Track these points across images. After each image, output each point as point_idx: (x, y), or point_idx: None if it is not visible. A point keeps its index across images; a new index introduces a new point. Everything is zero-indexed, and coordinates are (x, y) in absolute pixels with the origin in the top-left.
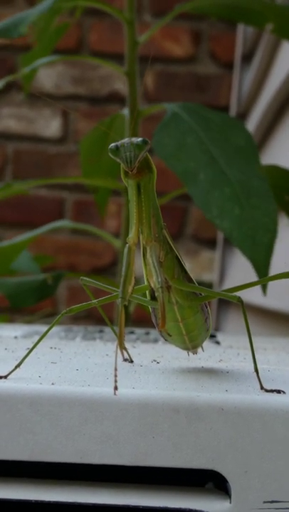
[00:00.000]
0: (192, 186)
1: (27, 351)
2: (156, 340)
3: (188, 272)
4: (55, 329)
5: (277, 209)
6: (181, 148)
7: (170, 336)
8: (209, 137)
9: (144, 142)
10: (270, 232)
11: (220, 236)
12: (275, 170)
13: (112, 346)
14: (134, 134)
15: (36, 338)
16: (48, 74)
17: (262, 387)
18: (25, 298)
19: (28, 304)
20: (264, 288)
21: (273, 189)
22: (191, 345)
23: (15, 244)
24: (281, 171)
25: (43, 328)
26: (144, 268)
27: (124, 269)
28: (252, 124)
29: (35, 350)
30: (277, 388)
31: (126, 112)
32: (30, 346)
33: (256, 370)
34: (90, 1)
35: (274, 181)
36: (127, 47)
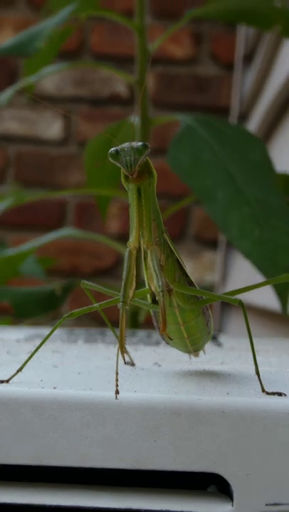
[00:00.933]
0: (210, 205)
1: (29, 355)
2: (158, 343)
3: (189, 275)
4: (57, 332)
5: None
6: (197, 165)
7: (171, 339)
8: (225, 152)
9: (144, 146)
10: None
11: (222, 237)
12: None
13: (114, 349)
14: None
15: (38, 341)
16: (50, 76)
17: (263, 390)
18: (31, 309)
19: (34, 314)
20: (284, 310)
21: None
22: (193, 348)
23: (22, 253)
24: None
25: (45, 331)
26: (145, 272)
27: (125, 273)
28: (253, 125)
29: (37, 353)
30: (279, 391)
31: (135, 119)
32: (32, 349)
33: (257, 373)
34: (103, 11)
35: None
36: (138, 55)
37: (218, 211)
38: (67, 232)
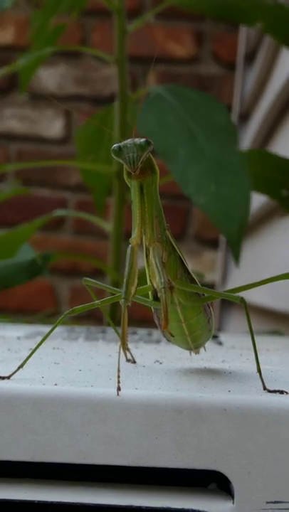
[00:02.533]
0: (171, 162)
1: (30, 352)
2: (158, 341)
3: (191, 273)
4: (57, 329)
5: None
6: (161, 125)
7: (173, 336)
8: (189, 115)
9: (147, 143)
10: (244, 208)
11: (222, 237)
12: (273, 159)
13: (115, 347)
14: (125, 121)
15: (39, 338)
16: (51, 74)
17: (265, 388)
18: (15, 277)
19: (18, 282)
20: (237, 262)
21: (271, 182)
22: (194, 345)
23: (18, 232)
24: (279, 160)
25: (46, 329)
26: (147, 269)
27: (126, 269)
28: (254, 124)
29: (38, 350)
30: (280, 389)
31: (116, 103)
32: (33, 347)
33: (259, 371)
34: None
35: (270, 173)
36: (117, 35)
37: (178, 168)
38: (65, 212)
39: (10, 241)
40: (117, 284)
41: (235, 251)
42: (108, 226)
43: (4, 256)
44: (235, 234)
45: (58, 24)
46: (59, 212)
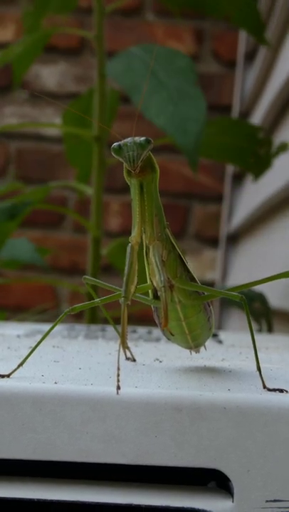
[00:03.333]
0: (135, 96)
1: (30, 350)
2: (158, 339)
3: (192, 271)
4: (57, 328)
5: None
6: (129, 70)
7: (173, 335)
8: (155, 61)
9: (147, 141)
10: (199, 122)
11: (222, 235)
12: (241, 126)
13: (115, 345)
14: (103, 96)
15: (39, 336)
16: (51, 73)
17: (264, 386)
18: None
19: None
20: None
21: (239, 150)
22: (194, 344)
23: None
24: (247, 127)
25: (46, 327)
26: (147, 267)
27: (126, 268)
28: (255, 122)
29: (37, 348)
30: (280, 387)
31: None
32: (33, 345)
33: (259, 369)
34: None
35: (239, 141)
36: (96, 9)
37: (140, 98)
38: (67, 183)
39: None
40: (99, 243)
41: (192, 161)
42: (89, 189)
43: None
44: (191, 145)
45: (51, 24)
46: (53, 184)
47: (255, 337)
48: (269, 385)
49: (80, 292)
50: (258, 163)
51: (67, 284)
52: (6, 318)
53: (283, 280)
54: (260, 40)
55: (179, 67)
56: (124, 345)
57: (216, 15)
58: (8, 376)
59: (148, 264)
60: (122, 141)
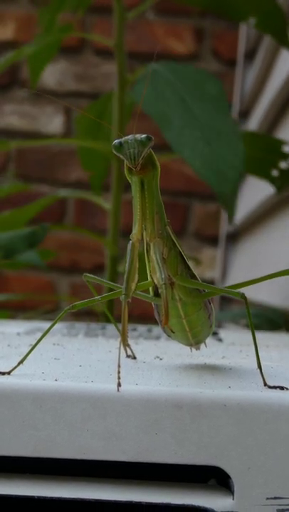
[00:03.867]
0: (167, 131)
1: (30, 347)
2: (158, 337)
3: (192, 269)
4: (57, 326)
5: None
6: (158, 97)
7: (173, 332)
8: (184, 86)
9: (148, 139)
10: (237, 169)
11: (222, 233)
12: (262, 140)
13: (115, 343)
14: (122, 105)
15: (39, 334)
16: (51, 71)
17: (265, 384)
18: (16, 247)
19: (19, 251)
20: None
21: (260, 162)
22: (194, 341)
23: (20, 211)
24: (268, 140)
25: (46, 325)
26: (148, 264)
27: (127, 265)
28: (254, 121)
29: (38, 346)
30: (281, 385)
31: (115, 87)
32: (33, 343)
33: (259, 367)
34: None
35: (259, 153)
36: (116, 20)
37: (173, 135)
38: (68, 192)
39: (12, 221)
40: (116, 260)
41: (229, 210)
42: (107, 204)
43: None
44: (228, 193)
45: (64, 22)
46: (62, 193)
47: (256, 335)
48: (269, 383)
49: (79, 290)
50: (281, 176)
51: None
52: (11, 317)
53: (283, 278)
54: (283, 42)
55: (209, 94)
56: (124, 342)
57: (239, 18)
58: (8, 373)
59: (149, 261)
60: (123, 139)
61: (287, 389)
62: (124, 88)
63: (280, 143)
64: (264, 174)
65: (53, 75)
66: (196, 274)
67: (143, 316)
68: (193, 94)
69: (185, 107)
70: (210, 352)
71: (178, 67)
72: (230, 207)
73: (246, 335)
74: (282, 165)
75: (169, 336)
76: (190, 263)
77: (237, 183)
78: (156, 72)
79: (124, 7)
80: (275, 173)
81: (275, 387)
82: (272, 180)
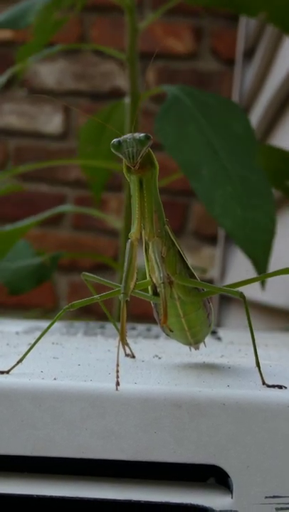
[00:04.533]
0: (195, 181)
1: (29, 346)
2: (157, 336)
3: (191, 268)
4: (56, 325)
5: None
6: (182, 138)
7: (172, 331)
8: (210, 125)
9: (147, 137)
10: (269, 232)
11: (221, 232)
12: (277, 152)
13: (114, 342)
14: (135, 120)
15: (38, 333)
16: (50, 70)
17: (264, 383)
18: (24, 283)
19: (28, 288)
20: (263, 284)
21: (273, 173)
22: (193, 340)
23: (16, 229)
24: (283, 153)
25: (45, 324)
26: (146, 263)
27: (126, 264)
28: (254, 120)
29: (37, 345)
30: (279, 384)
31: (126, 100)
32: (32, 342)
33: (258, 365)
34: None
35: (274, 165)
36: (128, 33)
37: (203, 188)
38: (66, 208)
39: (5, 238)
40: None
41: (260, 271)
42: (118, 223)
43: (2, 249)
44: (260, 257)
45: (60, 18)
46: (60, 209)
47: (255, 334)
48: (268, 382)
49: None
50: None
51: None
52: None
53: (282, 277)
54: None
55: (237, 135)
56: (123, 341)
57: (251, 14)
58: (7, 372)
59: (147, 260)
60: (122, 138)
61: (285, 388)
62: (137, 102)
63: None
64: (278, 185)
65: (52, 74)
66: (194, 273)
67: (142, 315)
68: (221, 135)
69: (213, 153)
70: (209, 351)
71: (199, 95)
72: (262, 269)
73: (245, 334)
74: None
75: (167, 335)
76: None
77: (270, 248)
78: (177, 101)
79: (136, 17)
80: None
81: (273, 386)
82: (286, 190)
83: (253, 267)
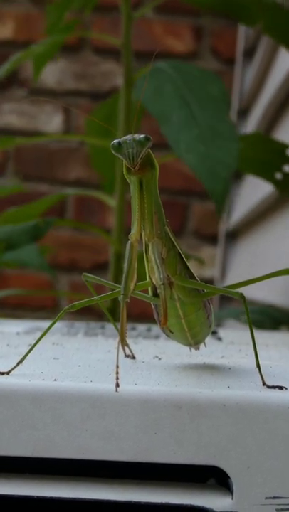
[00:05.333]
0: (166, 126)
1: (29, 347)
2: (157, 337)
3: (191, 268)
4: (57, 325)
5: None
6: (158, 93)
7: (172, 332)
8: (185, 85)
9: (147, 139)
10: (230, 167)
11: (221, 232)
12: (269, 142)
13: (114, 342)
14: (129, 104)
15: (38, 334)
16: (50, 70)
17: (264, 384)
18: (19, 239)
19: (22, 244)
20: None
21: (264, 165)
22: (193, 341)
23: (29, 207)
24: (275, 144)
25: (45, 324)
26: (146, 265)
27: (126, 265)
28: (254, 119)
29: (37, 346)
30: (280, 384)
31: (121, 84)
32: (33, 342)
33: (258, 366)
34: None
35: (266, 156)
36: (123, 20)
37: (171, 132)
38: (74, 190)
39: (17, 217)
40: (119, 259)
41: (219, 206)
42: (112, 201)
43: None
44: (220, 191)
45: (67, 20)
46: (68, 191)
47: (255, 334)
48: (268, 382)
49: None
50: (285, 179)
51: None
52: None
53: (282, 277)
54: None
55: (211, 95)
56: (123, 342)
57: (249, 23)
58: (7, 373)
59: (147, 261)
60: (122, 139)
61: (286, 388)
62: (131, 87)
63: (285, 146)
64: (268, 177)
65: (53, 73)
66: (194, 274)
67: (142, 315)
68: (195, 93)
69: (185, 105)
70: (209, 351)
71: (181, 65)
72: (221, 203)
73: (246, 334)
74: (286, 168)
75: (168, 336)
76: (191, 263)
77: (228, 181)
78: (158, 70)
79: (130, 7)
80: (278, 176)
81: (274, 387)
82: (275, 183)
83: (213, 199)
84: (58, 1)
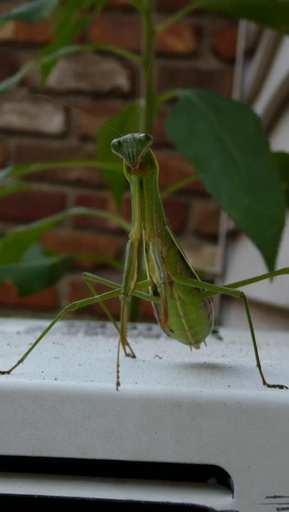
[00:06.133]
0: (203, 173)
1: (30, 346)
2: (158, 336)
3: (191, 268)
4: (57, 324)
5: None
6: (192, 134)
7: (172, 331)
8: (220, 124)
9: (147, 138)
10: (278, 223)
11: (222, 231)
12: (281, 157)
13: (115, 341)
14: (149, 122)
15: (39, 333)
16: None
17: (264, 383)
18: (34, 284)
19: (38, 290)
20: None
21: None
22: (194, 340)
23: (30, 231)
24: (284, 155)
25: (46, 324)
26: (147, 264)
27: (126, 264)
28: None
29: (37, 345)
30: (280, 383)
31: (142, 102)
32: (33, 342)
33: (259, 366)
34: None
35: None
36: (145, 37)
37: (210, 179)
38: (80, 210)
39: (20, 241)
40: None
41: (269, 265)
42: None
43: (14, 255)
44: (268, 249)
45: (78, 19)
46: (74, 211)
47: (255, 333)
48: (269, 381)
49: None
50: None
51: None
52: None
53: (283, 276)
54: None
55: (248, 134)
56: (123, 341)
57: (270, 25)
58: (8, 373)
59: (148, 260)
60: (122, 138)
61: (286, 388)
62: (152, 106)
63: None
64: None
65: (53, 73)
66: (194, 273)
67: (143, 314)
68: (231, 132)
69: (223, 148)
70: (210, 350)
71: (212, 97)
72: (271, 262)
73: (246, 333)
74: None
75: (168, 335)
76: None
77: (278, 239)
78: (188, 102)
79: (152, 20)
80: (284, 186)
81: (274, 386)
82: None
83: (262, 257)
84: (68, 1)
